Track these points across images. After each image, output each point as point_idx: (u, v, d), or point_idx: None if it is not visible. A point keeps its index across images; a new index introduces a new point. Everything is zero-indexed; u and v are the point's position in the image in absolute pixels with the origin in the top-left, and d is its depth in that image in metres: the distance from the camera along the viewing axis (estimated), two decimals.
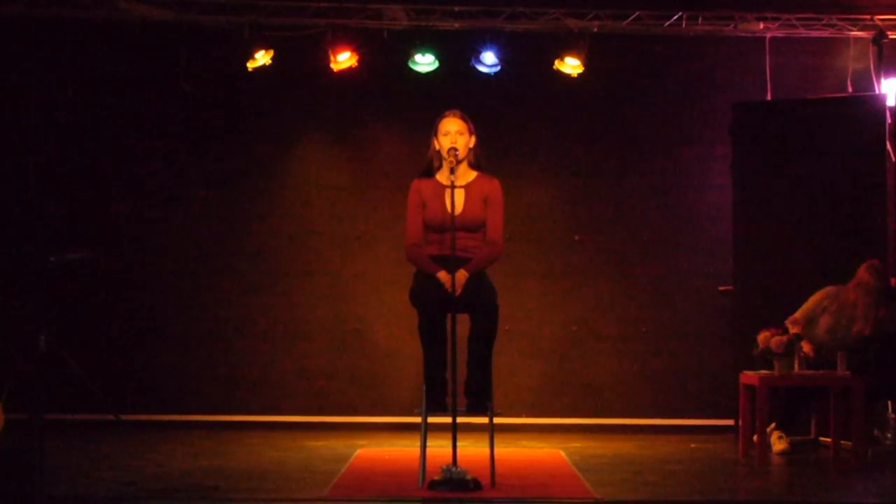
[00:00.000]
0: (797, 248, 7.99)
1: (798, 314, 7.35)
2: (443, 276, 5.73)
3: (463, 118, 5.92)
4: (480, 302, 5.73)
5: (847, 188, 8.01)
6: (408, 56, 8.39)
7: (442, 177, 5.94)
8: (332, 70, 8.37)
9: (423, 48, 8.37)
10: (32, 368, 7.04)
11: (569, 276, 8.68)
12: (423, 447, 5.74)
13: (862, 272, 7.33)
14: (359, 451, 7.12)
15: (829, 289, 7.40)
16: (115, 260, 8.51)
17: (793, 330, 7.16)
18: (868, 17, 8.38)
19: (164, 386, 8.51)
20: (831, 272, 7.54)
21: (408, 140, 8.42)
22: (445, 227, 5.78)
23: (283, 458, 6.83)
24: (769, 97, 8.51)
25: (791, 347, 6.96)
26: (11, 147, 8.48)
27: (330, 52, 8.30)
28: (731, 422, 7.95)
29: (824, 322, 7.34)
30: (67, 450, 6.88)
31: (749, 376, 7.05)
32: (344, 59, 8.33)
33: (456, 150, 5.82)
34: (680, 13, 8.37)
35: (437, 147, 5.93)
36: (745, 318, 7.92)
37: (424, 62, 8.42)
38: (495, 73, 8.45)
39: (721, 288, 8.39)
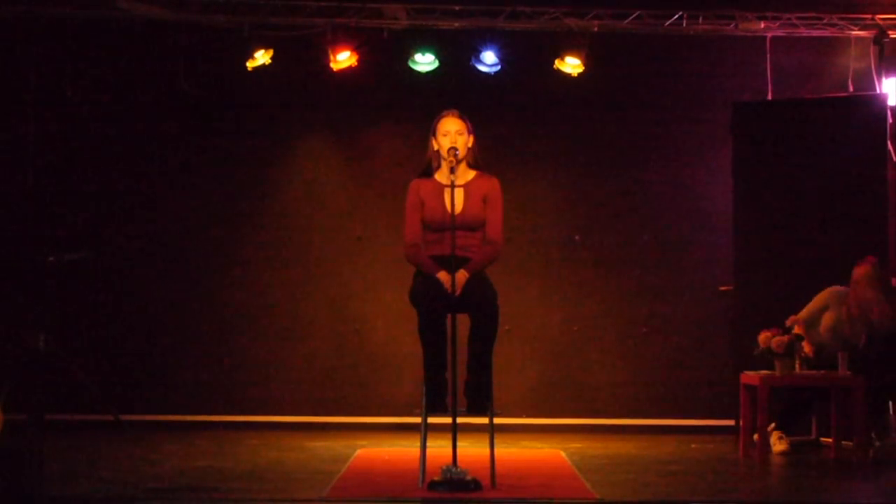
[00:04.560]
0: (797, 247, 7.98)
1: (801, 314, 7.35)
2: (443, 276, 5.73)
3: (462, 118, 5.92)
4: (480, 302, 5.72)
5: (847, 188, 8.00)
6: (408, 55, 8.38)
7: (441, 176, 5.93)
8: (331, 69, 8.36)
9: (423, 47, 8.37)
10: (32, 368, 7.04)
11: (569, 276, 8.67)
12: (423, 447, 5.73)
13: (859, 269, 7.33)
14: (359, 451, 7.12)
15: (833, 288, 7.40)
16: (115, 260, 8.50)
17: (795, 330, 7.14)
18: (869, 16, 8.37)
19: (164, 386, 8.51)
20: (832, 272, 7.52)
21: (408, 139, 8.41)
22: (445, 226, 5.78)
23: (283, 458, 6.83)
24: (770, 97, 8.50)
25: (792, 348, 6.96)
26: (11, 147, 8.47)
27: (329, 51, 8.30)
28: (731, 422, 7.94)
29: (826, 321, 7.34)
30: (67, 450, 6.87)
31: (750, 376, 7.05)
32: (344, 59, 8.32)
33: (456, 149, 5.82)
34: (680, 13, 8.36)
35: (436, 147, 5.92)
36: (745, 319, 7.91)
37: (424, 62, 8.41)
38: (495, 73, 8.44)
39: (721, 288, 8.38)
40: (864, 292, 7.26)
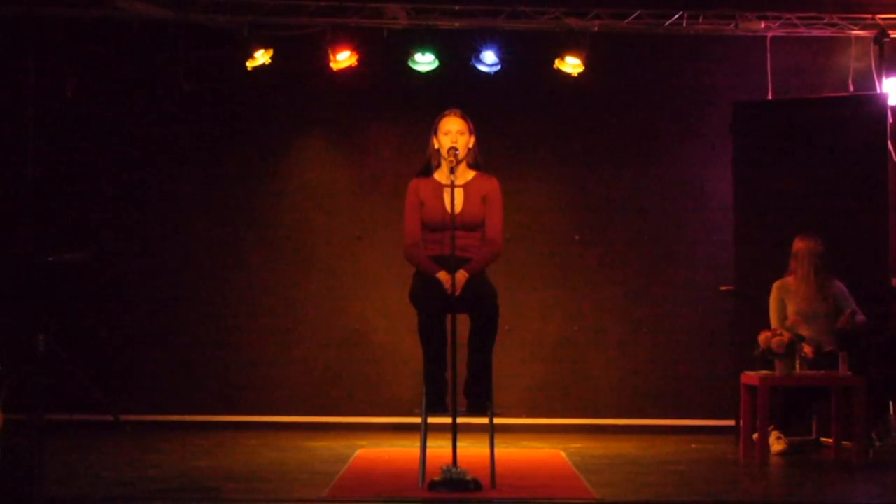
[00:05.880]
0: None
1: (775, 321, 7.37)
2: (442, 276, 5.73)
3: (463, 117, 5.92)
4: (480, 302, 5.73)
5: (847, 188, 8.00)
6: (408, 55, 8.38)
7: (440, 176, 5.93)
8: (331, 69, 8.36)
9: (423, 47, 8.36)
10: (32, 368, 7.04)
11: (569, 276, 8.67)
12: (423, 447, 5.73)
13: (797, 243, 7.44)
14: (359, 451, 7.12)
15: (776, 283, 7.51)
16: (116, 260, 8.50)
17: (787, 335, 7.09)
18: (869, 16, 8.37)
19: (163, 386, 8.51)
20: (831, 272, 7.52)
21: (408, 139, 8.41)
22: (444, 226, 5.78)
23: (283, 459, 6.83)
24: (770, 97, 8.50)
25: (792, 348, 6.95)
26: (11, 147, 8.47)
27: (329, 51, 8.30)
28: (731, 422, 7.94)
29: (790, 311, 7.36)
30: (67, 450, 6.88)
31: (750, 377, 7.04)
32: (343, 59, 8.32)
33: (456, 149, 5.82)
34: (681, 12, 8.36)
35: (437, 146, 5.93)
36: (745, 319, 7.91)
37: (424, 61, 8.41)
38: (495, 73, 8.44)
39: (722, 288, 8.37)
40: (821, 262, 7.38)
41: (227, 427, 8.32)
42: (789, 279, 7.49)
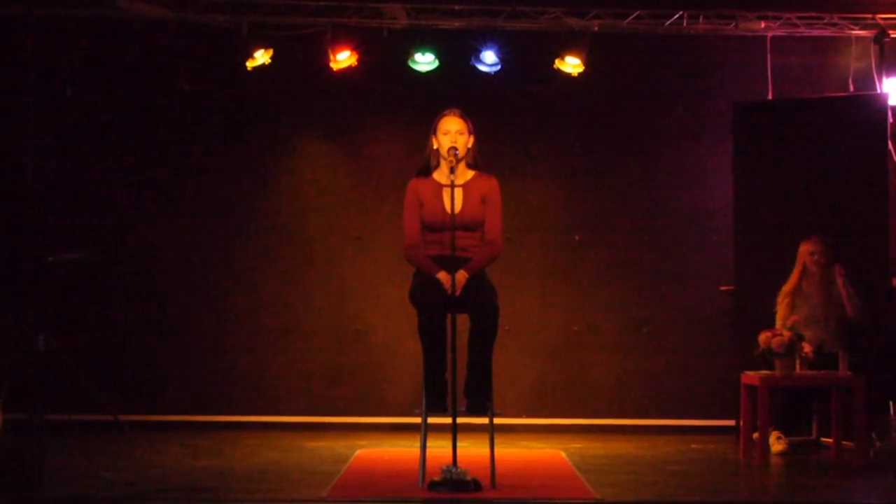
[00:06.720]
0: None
1: (780, 322, 7.36)
2: (442, 276, 5.73)
3: (463, 117, 5.93)
4: (480, 302, 5.73)
5: (847, 188, 8.00)
6: (407, 55, 8.38)
7: (440, 176, 5.94)
8: (331, 69, 8.36)
9: (423, 47, 8.37)
10: (32, 368, 7.04)
11: (569, 276, 8.67)
12: (423, 448, 5.73)
13: (804, 247, 7.46)
14: (359, 452, 7.11)
15: (784, 289, 7.49)
16: (115, 260, 8.50)
17: (787, 335, 7.09)
18: (870, 15, 8.37)
19: (163, 386, 8.50)
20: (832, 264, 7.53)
21: (407, 139, 8.40)
22: (444, 226, 5.78)
23: (283, 459, 6.83)
24: (770, 97, 8.50)
25: (792, 347, 6.95)
26: (11, 147, 8.46)
27: (329, 51, 8.30)
28: (731, 422, 7.94)
29: (800, 316, 7.35)
30: (67, 450, 6.87)
31: (750, 376, 7.04)
32: (343, 59, 8.32)
33: (456, 149, 5.82)
34: (681, 12, 8.36)
35: (436, 146, 5.93)
36: (746, 318, 7.91)
37: (424, 61, 8.41)
38: (495, 73, 8.44)
39: (722, 288, 8.38)
40: (829, 260, 7.40)
41: (227, 427, 8.32)
42: (797, 284, 7.45)
